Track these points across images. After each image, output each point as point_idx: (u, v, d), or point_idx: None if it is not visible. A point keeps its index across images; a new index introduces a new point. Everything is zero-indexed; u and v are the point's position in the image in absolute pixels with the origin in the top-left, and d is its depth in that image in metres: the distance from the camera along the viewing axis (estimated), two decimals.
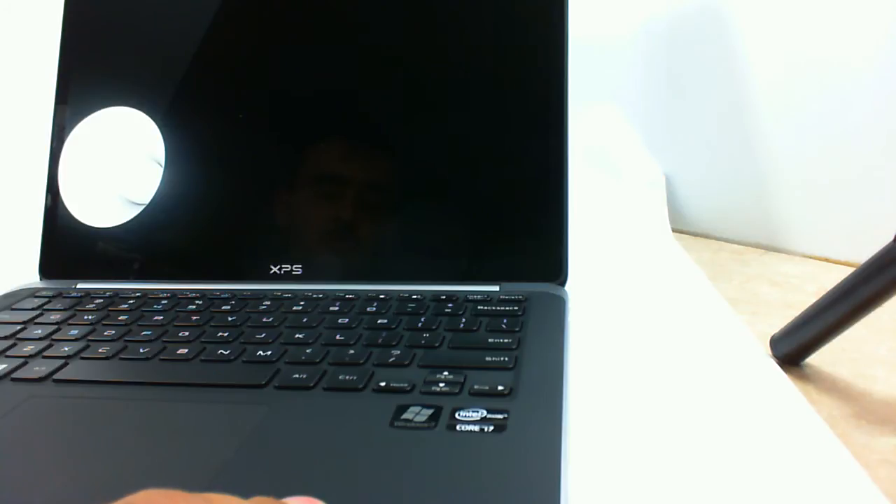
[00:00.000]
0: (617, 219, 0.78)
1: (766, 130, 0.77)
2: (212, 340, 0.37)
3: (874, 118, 0.68)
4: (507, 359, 0.33)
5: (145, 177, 0.49)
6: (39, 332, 0.39)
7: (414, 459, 0.26)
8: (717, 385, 0.38)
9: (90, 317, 0.41)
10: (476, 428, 0.27)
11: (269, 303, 0.42)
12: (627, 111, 0.91)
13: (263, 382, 0.32)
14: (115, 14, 0.51)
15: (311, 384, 0.32)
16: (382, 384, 0.31)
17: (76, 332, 0.39)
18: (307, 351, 0.35)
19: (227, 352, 0.36)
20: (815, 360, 0.48)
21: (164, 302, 0.43)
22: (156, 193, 0.49)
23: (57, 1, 0.52)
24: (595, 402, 0.36)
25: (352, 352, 0.35)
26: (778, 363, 0.47)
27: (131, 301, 0.44)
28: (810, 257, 0.75)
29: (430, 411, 0.29)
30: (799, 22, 0.72)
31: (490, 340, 0.36)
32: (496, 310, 0.40)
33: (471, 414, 0.28)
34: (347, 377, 0.32)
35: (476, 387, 0.31)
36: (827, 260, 0.73)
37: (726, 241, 0.82)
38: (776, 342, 0.49)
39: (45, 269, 0.50)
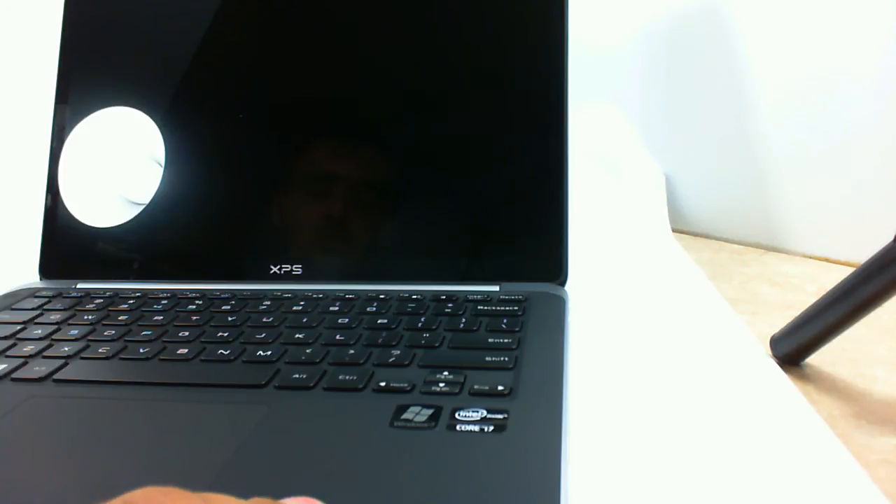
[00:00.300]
0: (617, 219, 0.78)
1: (766, 130, 0.77)
2: (212, 340, 0.37)
3: (874, 118, 0.68)
4: (507, 359, 0.33)
5: (145, 177, 0.49)
6: (39, 332, 0.39)
7: (414, 459, 0.26)
8: (717, 385, 0.38)
9: (90, 317, 0.41)
10: (476, 428, 0.27)
11: (269, 303, 0.42)
12: (627, 111, 0.91)
13: (263, 382, 0.32)
14: (115, 14, 0.51)
15: (311, 384, 0.32)
16: (382, 384, 0.31)
17: (76, 332, 0.39)
18: (307, 351, 0.35)
19: (227, 352, 0.36)
20: (815, 360, 0.48)
21: (164, 302, 0.43)
22: (156, 193, 0.49)
23: (57, 1, 0.52)
24: (595, 402, 0.36)
25: (352, 352, 0.35)
26: (778, 363, 0.47)
27: (131, 301, 0.44)
28: (810, 257, 0.75)
29: (430, 411, 0.29)
30: (799, 22, 0.72)
31: (490, 340, 0.36)
32: (496, 310, 0.40)
33: (471, 414, 0.28)
34: (347, 377, 0.32)
35: (476, 387, 0.31)
36: (827, 260, 0.73)
37: (726, 241, 0.82)
38: (776, 342, 0.49)
39: (45, 269, 0.50)
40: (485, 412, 0.28)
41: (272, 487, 0.24)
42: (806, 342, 0.47)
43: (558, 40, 0.46)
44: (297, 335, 0.37)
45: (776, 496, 0.29)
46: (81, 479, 0.26)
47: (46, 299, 0.44)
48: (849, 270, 0.45)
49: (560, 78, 0.46)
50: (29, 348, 0.37)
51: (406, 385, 0.31)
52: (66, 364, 0.35)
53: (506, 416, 0.28)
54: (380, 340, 0.36)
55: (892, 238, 0.43)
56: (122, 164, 0.50)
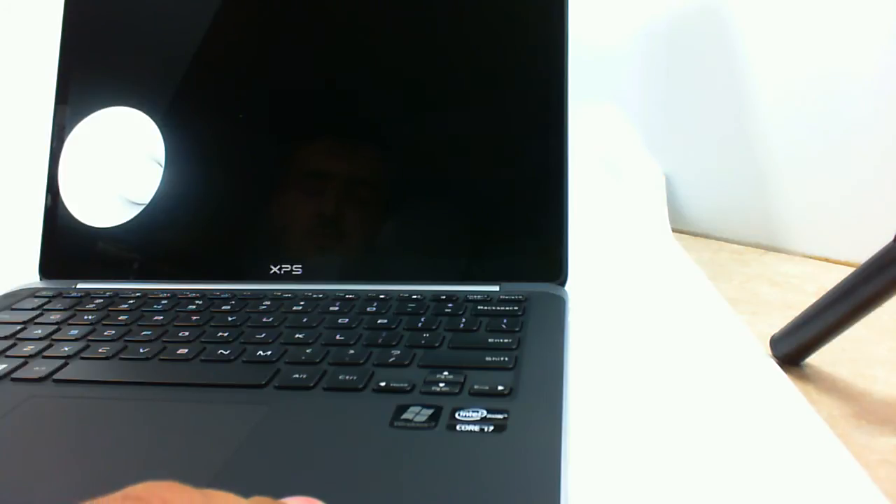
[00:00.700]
0: (617, 219, 0.78)
1: (766, 130, 0.77)
2: (212, 340, 0.37)
3: (874, 118, 0.68)
4: (507, 359, 0.33)
5: (145, 177, 0.49)
6: (39, 332, 0.39)
7: (414, 459, 0.26)
8: (717, 385, 0.38)
9: (90, 317, 0.41)
10: (476, 428, 0.27)
11: (269, 303, 0.42)
12: (627, 111, 0.91)
13: (263, 382, 0.32)
14: (115, 14, 0.51)
15: (311, 384, 0.32)
16: (382, 384, 0.31)
17: (76, 332, 0.39)
18: (307, 351, 0.35)
19: (227, 352, 0.36)
20: (815, 360, 0.48)
21: (164, 302, 0.43)
22: (156, 193, 0.49)
23: (57, 1, 0.52)
24: (595, 402, 0.36)
25: (352, 352, 0.35)
26: (778, 363, 0.47)
27: (131, 301, 0.44)
28: (810, 257, 0.75)
29: (430, 411, 0.29)
30: (799, 22, 0.72)
31: (490, 340, 0.36)
32: (496, 310, 0.40)
33: (471, 414, 0.28)
34: (347, 377, 0.32)
35: (476, 387, 0.31)
36: (827, 260, 0.74)
37: (726, 241, 0.82)
38: (776, 342, 0.49)
39: (45, 269, 0.50)
40: (485, 412, 0.28)
41: (272, 487, 0.24)
42: (806, 342, 0.47)
43: (558, 40, 0.46)
44: (297, 335, 0.37)
45: (776, 496, 0.29)
46: (81, 479, 0.26)
47: (46, 299, 0.44)
48: (849, 270, 0.45)
49: (560, 78, 0.46)
50: (29, 348, 0.37)
51: (406, 385, 0.31)
52: (66, 364, 0.35)
53: (506, 416, 0.28)
54: (380, 340, 0.36)
55: (892, 238, 0.43)
56: (121, 164, 0.50)
